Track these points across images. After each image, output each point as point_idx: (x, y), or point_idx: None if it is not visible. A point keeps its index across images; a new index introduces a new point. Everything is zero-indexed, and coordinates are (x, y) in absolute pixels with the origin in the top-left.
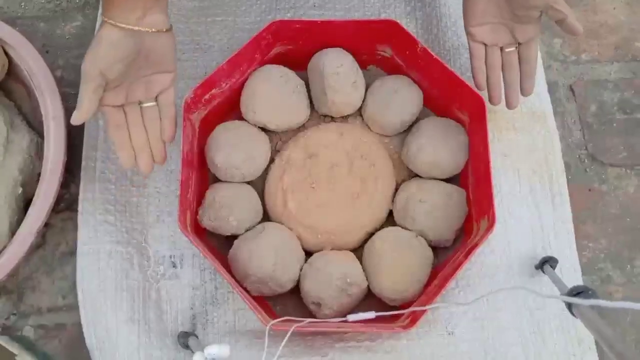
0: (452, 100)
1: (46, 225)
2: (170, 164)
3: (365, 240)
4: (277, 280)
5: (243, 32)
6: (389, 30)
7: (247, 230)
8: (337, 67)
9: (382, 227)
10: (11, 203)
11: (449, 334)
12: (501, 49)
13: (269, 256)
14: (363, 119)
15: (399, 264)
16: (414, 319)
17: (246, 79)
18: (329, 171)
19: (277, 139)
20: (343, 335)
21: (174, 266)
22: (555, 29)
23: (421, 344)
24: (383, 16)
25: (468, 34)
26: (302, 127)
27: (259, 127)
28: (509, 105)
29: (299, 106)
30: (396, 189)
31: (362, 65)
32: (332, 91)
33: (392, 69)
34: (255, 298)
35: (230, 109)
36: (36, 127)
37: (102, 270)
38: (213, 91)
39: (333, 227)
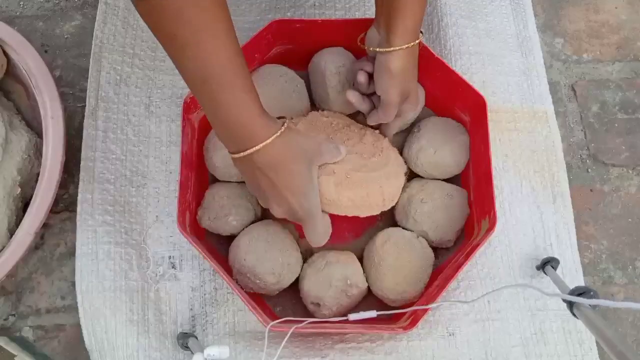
0: (453, 100)
1: (45, 225)
2: (169, 164)
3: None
4: (252, 271)
5: (243, 31)
6: None
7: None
8: (339, 67)
9: (383, 220)
10: (9, 203)
11: (450, 335)
12: None
13: (243, 246)
14: (365, 118)
15: (400, 264)
16: (415, 319)
17: None
18: (343, 131)
19: None
20: (343, 337)
21: (173, 267)
22: (556, 28)
23: (422, 345)
24: None
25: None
26: None
27: None
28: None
29: (299, 105)
30: None
31: None
32: (335, 91)
33: None
34: (254, 299)
35: None
36: (35, 127)
37: (101, 271)
38: None
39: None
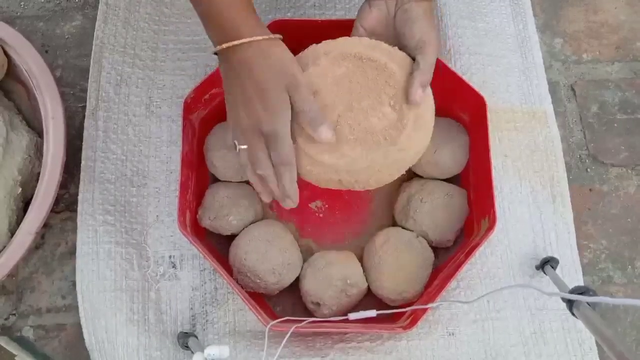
0: (453, 100)
1: (45, 225)
2: (170, 164)
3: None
4: (252, 270)
5: None
6: None
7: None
8: None
9: (382, 220)
10: (10, 203)
11: (450, 334)
12: None
13: (243, 245)
14: None
15: (399, 264)
16: (415, 319)
17: None
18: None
19: None
20: (343, 336)
21: (174, 266)
22: (556, 28)
23: (422, 345)
24: None
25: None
26: None
27: None
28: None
29: None
30: (397, 188)
31: None
32: None
33: None
34: (255, 298)
35: None
36: (35, 127)
37: (102, 271)
38: (213, 91)
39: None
